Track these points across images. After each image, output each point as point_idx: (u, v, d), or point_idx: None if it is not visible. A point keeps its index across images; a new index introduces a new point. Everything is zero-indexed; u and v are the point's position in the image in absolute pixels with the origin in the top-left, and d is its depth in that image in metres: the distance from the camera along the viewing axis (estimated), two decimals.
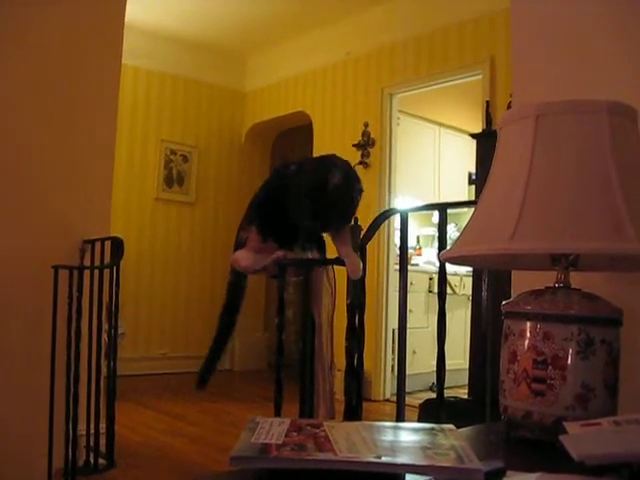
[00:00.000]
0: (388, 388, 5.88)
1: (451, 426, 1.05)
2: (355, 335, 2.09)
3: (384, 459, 0.84)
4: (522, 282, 1.77)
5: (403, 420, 2.14)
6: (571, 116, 1.25)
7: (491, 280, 2.33)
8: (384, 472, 0.83)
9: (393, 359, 5.91)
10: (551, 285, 1.30)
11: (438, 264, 6.64)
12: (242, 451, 0.84)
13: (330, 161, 2.08)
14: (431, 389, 6.06)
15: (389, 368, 5.89)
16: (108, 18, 3.67)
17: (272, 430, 0.94)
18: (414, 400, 4.60)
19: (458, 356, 5.41)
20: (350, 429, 0.98)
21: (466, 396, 4.38)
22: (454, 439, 0.97)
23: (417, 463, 0.84)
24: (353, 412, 2.05)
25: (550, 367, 1.20)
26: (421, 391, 5.85)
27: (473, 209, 1.37)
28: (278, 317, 2.15)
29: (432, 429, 1.02)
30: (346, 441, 0.90)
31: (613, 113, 1.24)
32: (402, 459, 0.85)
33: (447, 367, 2.18)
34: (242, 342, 7.41)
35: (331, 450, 0.86)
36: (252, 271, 2.27)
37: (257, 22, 6.61)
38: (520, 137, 1.28)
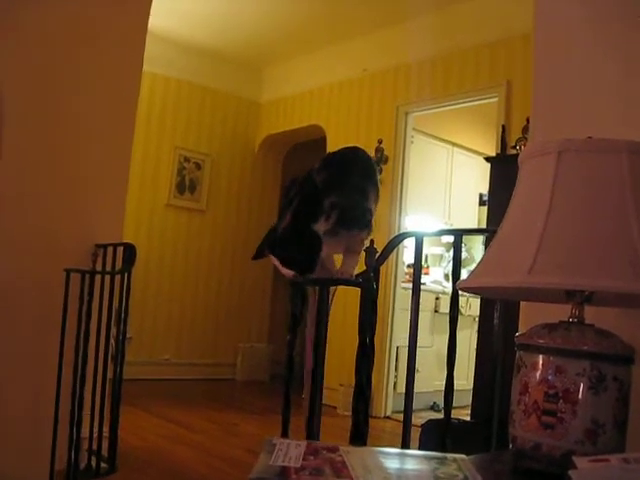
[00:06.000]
0: (389, 405, 5.89)
1: (463, 456, 1.06)
2: (365, 355, 2.11)
3: None
4: (532, 313, 1.78)
5: (409, 442, 2.15)
6: (592, 154, 1.27)
7: (501, 305, 2.34)
8: None
9: (396, 376, 5.92)
10: (565, 319, 1.32)
11: (445, 284, 6.61)
12: (261, 473, 0.86)
13: None
14: (432, 408, 6.08)
15: (391, 385, 5.90)
16: (132, 25, 3.71)
17: (289, 453, 0.96)
18: (415, 419, 4.57)
19: (461, 376, 5.40)
20: (365, 455, 1.00)
21: (468, 418, 4.38)
22: (466, 469, 0.98)
23: None
24: (360, 431, 2.06)
25: (561, 401, 1.22)
26: (422, 410, 5.85)
27: (486, 234, 1.39)
28: (289, 334, 2.17)
29: (445, 458, 1.04)
30: (362, 468, 0.92)
31: (634, 152, 1.26)
32: None
33: None
34: (245, 353, 7.44)
35: (348, 476, 0.87)
36: None
37: (276, 34, 6.66)
38: (541, 172, 1.30)
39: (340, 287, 2.25)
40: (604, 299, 1.40)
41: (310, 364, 2.19)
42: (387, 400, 5.89)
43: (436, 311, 6.41)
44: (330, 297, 2.20)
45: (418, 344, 2.26)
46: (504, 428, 1.38)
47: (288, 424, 2.15)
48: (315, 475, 0.87)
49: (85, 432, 3.14)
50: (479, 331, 4.61)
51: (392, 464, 0.99)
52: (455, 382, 2.11)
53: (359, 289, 2.22)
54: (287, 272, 2.07)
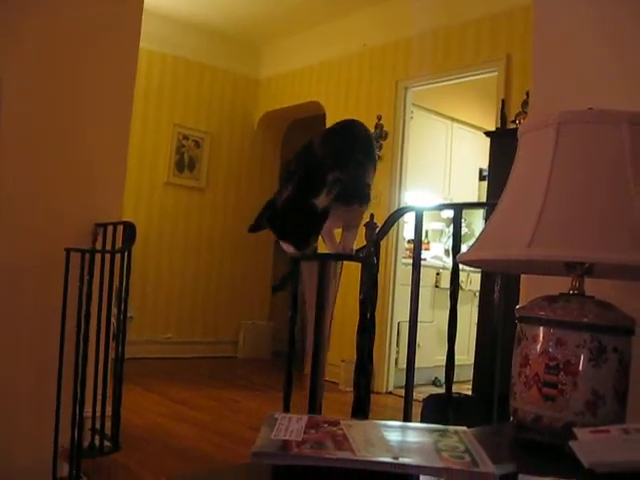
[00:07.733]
0: (391, 381, 5.92)
1: (464, 428, 1.07)
2: (366, 330, 2.11)
3: (401, 460, 0.86)
4: (532, 286, 1.79)
5: (410, 417, 2.16)
6: (592, 125, 1.26)
7: (502, 279, 2.34)
8: (401, 473, 0.85)
9: (397, 352, 5.95)
10: (565, 292, 1.31)
11: (445, 259, 6.61)
12: (263, 447, 0.87)
13: None
14: (434, 384, 6.10)
15: (392, 361, 5.93)
16: (128, 3, 3.67)
17: (291, 427, 0.96)
18: (417, 394, 4.59)
19: (462, 351, 5.42)
20: (367, 428, 1.00)
21: (469, 392, 4.40)
22: (468, 441, 0.99)
23: (433, 465, 0.86)
24: (361, 406, 2.07)
25: (562, 373, 1.22)
26: (423, 385, 5.88)
27: (486, 209, 1.38)
28: (291, 311, 2.17)
29: (446, 431, 1.04)
30: (364, 441, 0.92)
31: (635, 124, 1.25)
32: (418, 460, 0.88)
33: None
34: (247, 330, 7.46)
35: (349, 449, 0.88)
36: None
37: (274, 10, 6.61)
38: (541, 144, 1.29)
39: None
40: (604, 271, 1.40)
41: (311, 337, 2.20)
42: (389, 376, 5.92)
43: (437, 286, 6.43)
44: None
45: (419, 319, 2.26)
46: (505, 402, 1.38)
47: (290, 399, 2.16)
48: (316, 448, 0.87)
49: (88, 411, 3.15)
50: (480, 306, 4.62)
51: (394, 436, 0.99)
52: (456, 357, 2.12)
53: (359, 264, 2.22)
54: (288, 248, 2.07)
